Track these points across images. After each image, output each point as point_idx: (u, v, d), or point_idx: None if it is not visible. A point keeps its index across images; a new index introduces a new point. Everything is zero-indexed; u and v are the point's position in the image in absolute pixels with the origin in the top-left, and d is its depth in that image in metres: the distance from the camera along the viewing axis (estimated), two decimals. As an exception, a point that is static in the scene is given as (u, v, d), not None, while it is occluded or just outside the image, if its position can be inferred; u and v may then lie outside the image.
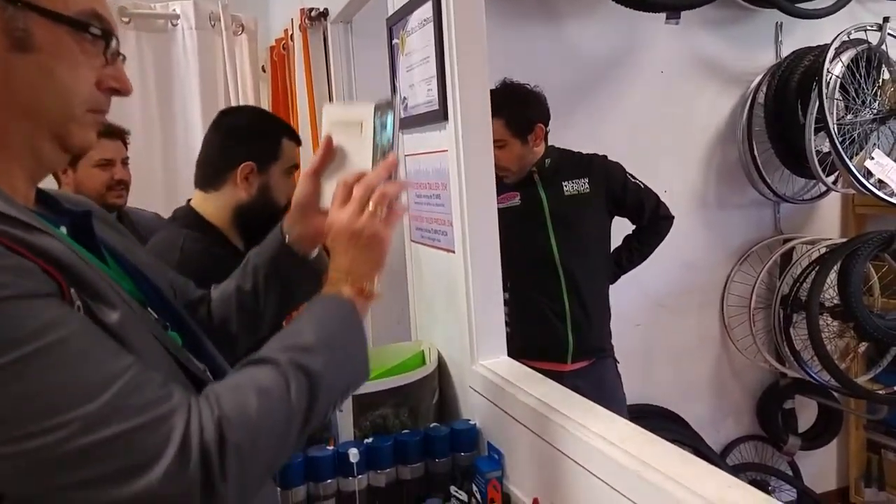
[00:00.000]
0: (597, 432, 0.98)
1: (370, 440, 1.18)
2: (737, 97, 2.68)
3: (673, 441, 2.50)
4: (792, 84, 2.48)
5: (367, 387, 1.25)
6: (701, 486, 0.80)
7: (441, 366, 1.43)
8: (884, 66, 2.51)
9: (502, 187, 1.98)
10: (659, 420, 2.53)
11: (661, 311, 2.65)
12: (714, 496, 0.78)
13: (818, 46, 2.52)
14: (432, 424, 1.28)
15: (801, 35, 2.67)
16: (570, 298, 2.04)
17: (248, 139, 1.34)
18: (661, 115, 2.57)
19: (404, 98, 1.48)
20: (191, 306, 0.90)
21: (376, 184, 0.78)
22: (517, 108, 1.99)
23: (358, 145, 0.83)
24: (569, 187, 2.08)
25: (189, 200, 1.36)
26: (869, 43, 2.46)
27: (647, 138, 2.55)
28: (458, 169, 1.28)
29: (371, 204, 0.77)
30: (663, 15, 2.33)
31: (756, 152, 2.61)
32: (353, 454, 1.10)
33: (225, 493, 0.54)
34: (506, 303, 1.93)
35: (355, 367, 0.74)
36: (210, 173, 1.34)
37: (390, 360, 1.40)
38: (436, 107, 1.30)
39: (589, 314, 2.06)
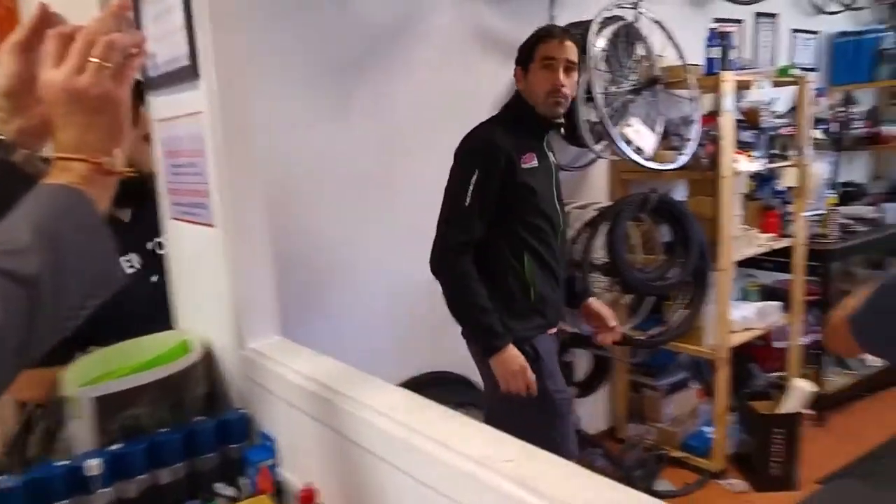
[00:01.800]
0: (366, 403, 0.94)
1: (117, 447, 1.03)
2: (516, 68, 2.77)
3: (466, 405, 2.58)
4: (563, 56, 2.60)
5: (113, 386, 1.09)
6: (466, 446, 0.79)
7: (209, 354, 1.29)
8: (638, 41, 2.72)
9: (523, 146, 1.99)
10: (452, 385, 2.58)
11: (451, 277, 2.69)
12: (477, 453, 0.77)
13: (586, 21, 2.67)
14: (196, 419, 1.15)
15: (572, 10, 2.81)
16: (561, 263, 2.12)
17: None
18: (446, 86, 2.58)
19: (153, 54, 1.30)
20: None
21: (101, 32, 0.62)
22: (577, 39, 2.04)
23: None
24: (553, 157, 2.12)
25: None
26: (626, 20, 2.65)
27: (433, 110, 2.55)
28: (214, 132, 1.15)
29: (96, 56, 0.61)
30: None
31: (533, 121, 2.72)
32: (92, 466, 0.95)
33: None
34: (527, 278, 2.01)
35: (95, 267, 0.61)
36: None
37: (146, 352, 1.25)
38: (185, 62, 1.15)
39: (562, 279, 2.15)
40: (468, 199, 1.94)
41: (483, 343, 2.00)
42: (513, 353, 1.97)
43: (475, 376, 2.73)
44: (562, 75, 1.96)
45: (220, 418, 1.16)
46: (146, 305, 1.40)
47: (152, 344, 1.29)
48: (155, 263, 1.48)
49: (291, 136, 2.23)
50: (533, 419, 2.01)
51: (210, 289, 1.27)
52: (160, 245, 1.48)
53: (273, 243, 1.25)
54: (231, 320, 1.20)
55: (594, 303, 2.24)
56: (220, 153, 1.15)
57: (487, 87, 2.70)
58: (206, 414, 1.22)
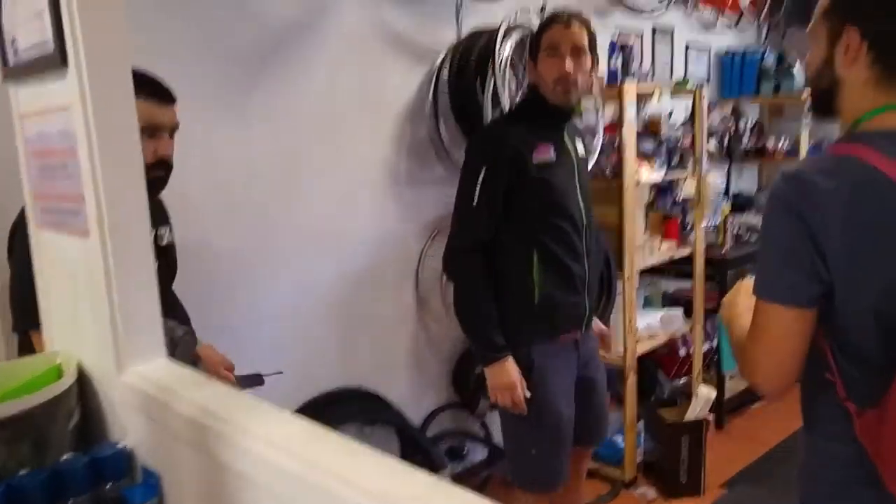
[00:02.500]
0: (260, 435, 0.83)
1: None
2: (424, 73, 2.72)
3: (374, 422, 2.48)
4: (470, 63, 2.57)
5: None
6: (366, 480, 0.71)
7: (82, 379, 1.14)
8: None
9: (535, 139, 1.90)
10: (359, 402, 2.47)
11: (358, 288, 2.59)
12: (377, 488, 0.69)
13: (493, 28, 2.65)
14: (65, 456, 1.00)
15: (479, 15, 2.79)
16: (588, 263, 2.01)
17: None
18: (351, 88, 2.48)
19: (14, 39, 1.14)
20: None
21: None
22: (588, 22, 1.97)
23: None
24: (579, 146, 2.02)
25: None
26: (532, 28, 2.65)
27: (337, 112, 2.45)
28: (87, 129, 1.01)
29: None
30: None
31: (442, 128, 2.67)
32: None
33: None
34: (533, 277, 1.92)
35: None
36: None
37: (10, 380, 1.08)
38: (50, 49, 1.01)
39: (593, 280, 2.05)
40: (476, 198, 1.87)
41: (478, 352, 1.96)
42: (505, 367, 1.90)
43: (386, 391, 2.64)
44: (568, 62, 1.88)
45: (95, 454, 1.02)
46: None
47: (18, 369, 1.13)
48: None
49: (183, 139, 2.07)
50: (524, 431, 1.98)
51: (85, 306, 1.12)
52: (158, 237, 1.54)
53: (158, 254, 1.12)
54: (109, 341, 1.06)
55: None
56: (95, 153, 1.02)
57: (394, 90, 2.63)
58: (78, 449, 1.07)
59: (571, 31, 1.90)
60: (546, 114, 1.95)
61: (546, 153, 1.90)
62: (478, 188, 1.86)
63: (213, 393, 0.97)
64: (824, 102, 1.16)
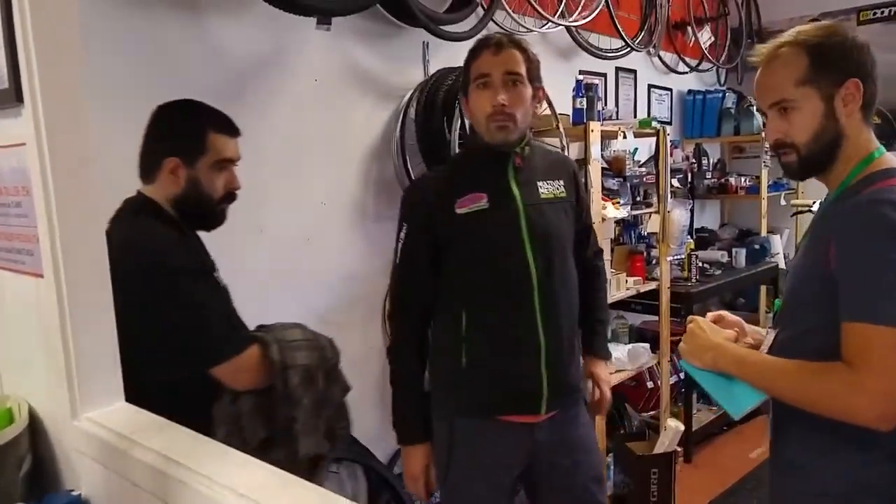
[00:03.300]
0: (225, 483, 0.80)
1: None
2: (391, 111, 2.73)
3: (340, 460, 2.42)
4: (438, 101, 2.59)
5: None
6: None
7: (34, 424, 1.10)
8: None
9: (464, 187, 1.65)
10: (326, 442, 2.42)
11: (326, 327, 2.55)
12: None
13: (459, 67, 2.68)
14: (14, 507, 0.96)
15: (445, 55, 2.83)
16: (547, 327, 1.63)
17: (172, 134, 1.44)
18: (317, 125, 2.48)
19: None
20: None
21: None
22: (523, 45, 1.66)
23: None
24: (545, 188, 1.69)
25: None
26: (500, 68, 2.69)
27: (303, 149, 2.44)
28: (42, 167, 0.99)
29: None
30: (314, 20, 2.25)
31: (409, 165, 2.68)
32: None
33: None
34: (461, 339, 1.64)
35: None
36: (144, 167, 1.45)
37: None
38: (5, 84, 0.99)
39: (564, 347, 1.68)
40: (398, 257, 1.71)
41: (395, 429, 1.76)
42: (412, 454, 1.72)
43: (353, 429, 2.59)
44: (501, 92, 1.58)
45: (46, 503, 0.98)
46: None
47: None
48: None
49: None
50: None
51: (38, 348, 1.08)
52: (218, 278, 1.51)
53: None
54: (63, 385, 1.03)
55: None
56: (51, 191, 0.99)
57: (361, 128, 2.64)
58: (30, 499, 1.03)
59: (502, 56, 1.59)
60: (483, 155, 1.68)
61: (474, 201, 1.63)
62: (399, 246, 1.71)
63: (174, 438, 0.94)
64: (825, 155, 1.24)
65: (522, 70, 1.61)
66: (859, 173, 1.22)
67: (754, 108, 4.55)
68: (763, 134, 4.34)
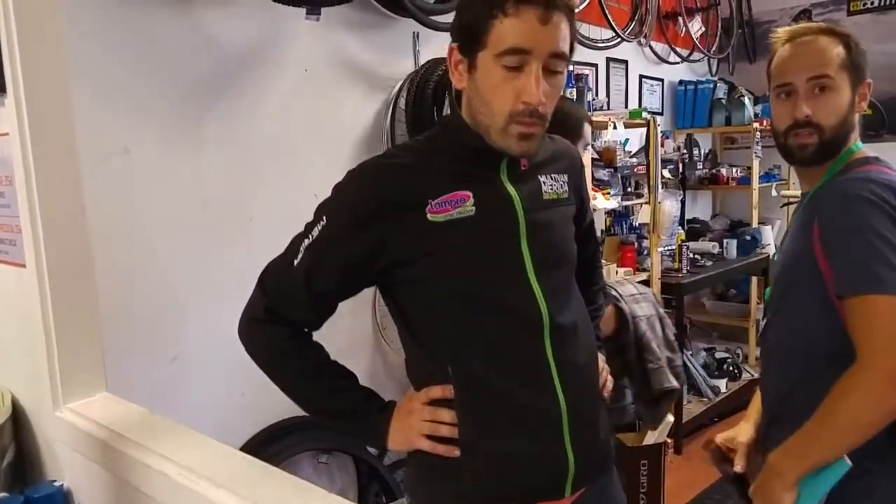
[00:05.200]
0: (204, 474, 0.81)
1: None
2: (381, 101, 2.72)
3: (330, 450, 2.43)
4: (428, 91, 2.58)
5: None
6: None
7: (17, 415, 1.10)
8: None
9: (440, 182, 1.08)
10: (315, 430, 2.43)
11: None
12: None
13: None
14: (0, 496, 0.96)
15: (436, 45, 2.82)
16: (566, 385, 1.11)
17: None
18: (307, 116, 2.48)
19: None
20: None
21: None
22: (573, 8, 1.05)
23: None
24: (547, 185, 1.18)
25: None
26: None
27: (294, 139, 2.44)
28: (24, 157, 0.99)
29: None
30: (304, 10, 2.24)
31: (399, 156, 2.68)
32: None
33: None
34: (449, 402, 1.09)
35: None
36: None
37: (-63, 416, 1.04)
38: (-13, 74, 0.98)
39: (590, 406, 1.18)
40: (297, 258, 1.14)
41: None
42: (398, 417, 1.15)
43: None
44: (540, 81, 1.02)
45: (29, 493, 0.98)
46: None
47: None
48: None
49: (135, 162, 2.04)
50: None
51: (20, 338, 1.08)
52: None
53: (106, 284, 1.09)
54: (45, 376, 1.03)
55: None
56: (33, 181, 0.99)
57: (351, 118, 2.63)
58: (13, 489, 1.03)
59: (552, 26, 1.01)
60: (460, 145, 1.13)
61: (456, 205, 1.07)
62: (304, 243, 1.14)
63: (154, 429, 0.94)
64: (842, 141, 1.28)
65: (566, 48, 1.05)
66: (843, 163, 1.27)
67: (745, 98, 4.55)
68: (755, 124, 4.36)
